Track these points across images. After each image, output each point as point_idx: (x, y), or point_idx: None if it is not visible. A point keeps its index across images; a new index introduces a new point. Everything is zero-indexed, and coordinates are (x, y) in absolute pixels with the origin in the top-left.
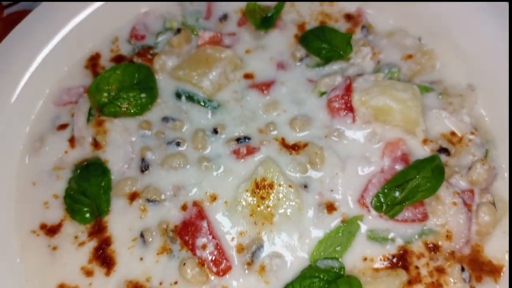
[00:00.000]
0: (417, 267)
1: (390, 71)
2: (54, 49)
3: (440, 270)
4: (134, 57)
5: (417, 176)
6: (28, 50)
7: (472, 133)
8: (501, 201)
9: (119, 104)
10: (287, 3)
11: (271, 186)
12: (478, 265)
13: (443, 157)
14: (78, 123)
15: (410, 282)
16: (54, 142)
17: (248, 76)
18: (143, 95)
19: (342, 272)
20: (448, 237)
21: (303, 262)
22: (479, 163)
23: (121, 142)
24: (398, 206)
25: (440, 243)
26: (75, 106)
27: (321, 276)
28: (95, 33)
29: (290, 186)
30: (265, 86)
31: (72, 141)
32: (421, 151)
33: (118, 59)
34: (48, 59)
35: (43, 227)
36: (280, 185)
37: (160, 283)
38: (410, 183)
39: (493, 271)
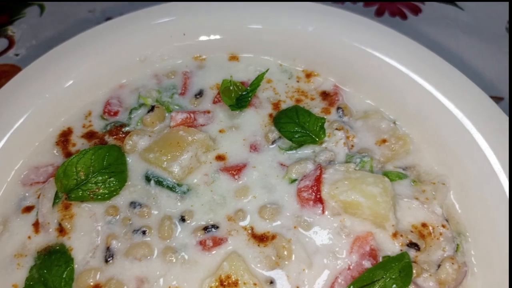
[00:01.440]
0: None
1: (362, 160)
2: (26, 121)
3: None
4: (106, 135)
5: (383, 277)
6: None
7: (443, 226)
8: None
9: (87, 189)
10: (264, 80)
11: (235, 284)
12: None
13: (412, 252)
14: (43, 209)
15: None
16: (18, 226)
17: (220, 157)
18: (112, 179)
19: None
20: None
21: None
22: (448, 262)
23: (87, 229)
24: None
25: None
26: (42, 188)
27: None
28: (69, 106)
29: (255, 284)
30: (236, 170)
31: (36, 225)
32: (391, 246)
33: (90, 135)
34: (19, 133)
35: None
36: (245, 283)
37: None
38: (377, 285)
39: None
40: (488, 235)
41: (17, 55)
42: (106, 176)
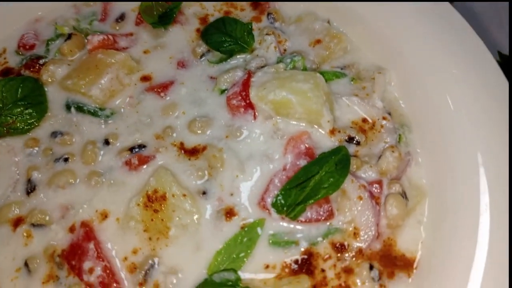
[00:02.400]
0: (323, 270)
1: (292, 60)
2: None
3: (348, 271)
4: (22, 69)
5: (319, 172)
6: None
7: (384, 119)
8: (415, 188)
9: (1, 123)
10: None
11: (163, 197)
12: (390, 261)
13: (352, 148)
14: None
15: (315, 287)
16: None
17: (145, 78)
18: (29, 110)
19: (238, 284)
20: (356, 234)
21: (201, 277)
22: (388, 151)
23: (6, 164)
24: (300, 206)
25: (347, 242)
26: None
27: None
28: None
29: (184, 195)
30: (162, 88)
31: None
32: (329, 143)
33: (5, 72)
34: None
35: None
36: (173, 196)
37: None
38: (313, 180)
39: (406, 265)
40: (432, 126)
41: None
42: (22, 108)
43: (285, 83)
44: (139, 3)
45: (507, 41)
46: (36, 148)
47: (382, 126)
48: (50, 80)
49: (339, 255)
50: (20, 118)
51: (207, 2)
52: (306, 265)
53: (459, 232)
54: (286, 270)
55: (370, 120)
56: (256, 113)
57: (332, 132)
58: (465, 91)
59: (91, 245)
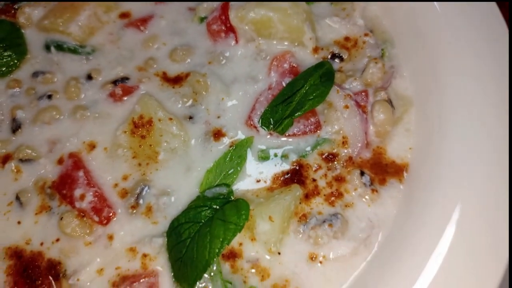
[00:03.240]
0: (314, 180)
1: None
2: None
3: (340, 179)
4: None
5: (304, 85)
6: None
7: (366, 35)
8: (401, 98)
9: None
10: None
11: (149, 123)
12: (381, 168)
13: (336, 64)
14: None
15: (307, 196)
16: None
17: (124, 15)
18: (8, 53)
19: (231, 197)
20: (345, 143)
21: (193, 195)
22: (371, 63)
23: None
24: (287, 120)
25: (336, 151)
26: None
27: (208, 205)
28: None
29: (170, 119)
30: (141, 22)
31: None
32: (312, 60)
33: None
34: None
35: None
36: (160, 120)
37: (41, 244)
38: (298, 94)
39: (397, 171)
40: (415, 40)
41: None
42: (1, 50)
43: (263, 2)
44: None
45: None
46: (19, 89)
47: (364, 43)
48: (27, 23)
49: (329, 164)
50: None
51: None
52: (297, 176)
53: (447, 137)
54: (277, 182)
55: (352, 38)
56: (238, 37)
57: (315, 50)
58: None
59: (81, 173)
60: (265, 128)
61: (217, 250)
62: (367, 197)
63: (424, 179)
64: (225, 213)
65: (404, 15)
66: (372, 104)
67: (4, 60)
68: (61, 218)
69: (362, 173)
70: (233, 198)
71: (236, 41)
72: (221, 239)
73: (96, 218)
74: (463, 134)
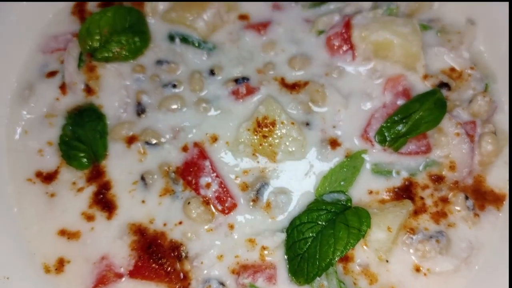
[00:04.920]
0: (422, 198)
1: (388, 7)
2: None
3: (444, 200)
4: (124, 1)
5: (419, 109)
6: None
7: (471, 68)
8: (501, 133)
9: (111, 48)
10: None
11: (273, 124)
12: (480, 195)
13: (443, 92)
14: (69, 69)
15: (416, 212)
16: (44, 89)
17: (243, 17)
18: (136, 38)
19: (349, 204)
20: (452, 167)
21: (309, 197)
22: (479, 96)
23: (115, 87)
24: (402, 139)
25: (444, 173)
26: (64, 53)
27: (328, 208)
28: None
29: (292, 123)
30: (261, 26)
31: (63, 88)
32: (422, 86)
33: (107, 3)
34: (31, 6)
35: (39, 174)
36: (282, 123)
37: (165, 224)
38: (413, 116)
39: (496, 200)
40: None
41: None
42: (130, 35)
43: (386, 25)
44: None
45: None
46: (143, 74)
47: (469, 75)
48: (152, 13)
49: (436, 185)
50: (128, 45)
51: None
52: (407, 192)
53: None
54: (389, 195)
55: (458, 69)
56: (355, 54)
57: (425, 77)
58: None
59: (207, 163)
60: (380, 143)
61: (340, 252)
62: (469, 220)
63: None
64: (347, 219)
65: (505, 51)
66: (481, 134)
67: (131, 45)
68: (188, 203)
69: (466, 197)
70: (351, 206)
71: (353, 58)
72: (345, 242)
73: (220, 207)
74: None
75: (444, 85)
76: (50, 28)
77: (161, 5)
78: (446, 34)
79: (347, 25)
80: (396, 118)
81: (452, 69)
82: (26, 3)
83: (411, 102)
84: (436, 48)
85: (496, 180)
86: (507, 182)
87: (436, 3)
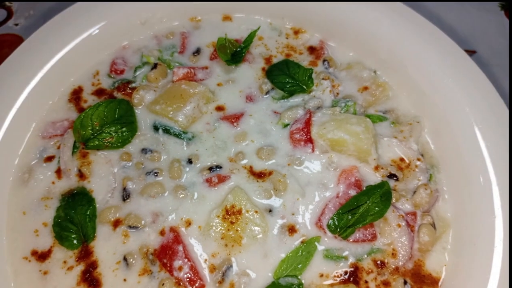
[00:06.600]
0: (366, 282)
1: (346, 104)
2: (38, 84)
3: (386, 284)
4: (115, 91)
5: (367, 202)
6: (14, 86)
7: (418, 160)
8: (442, 220)
9: (102, 138)
10: (256, 37)
11: (239, 212)
12: (419, 278)
13: (392, 183)
14: (64, 157)
15: None
16: (42, 173)
17: (219, 108)
18: (124, 129)
19: None
20: (394, 255)
21: (268, 280)
22: (422, 188)
23: (104, 173)
24: (351, 229)
25: (386, 260)
26: (61, 140)
27: None
28: (77, 67)
29: (256, 212)
30: (235, 118)
31: (58, 172)
32: (373, 177)
33: (100, 92)
34: (33, 94)
35: (34, 253)
36: (247, 211)
37: None
38: (361, 208)
39: (433, 282)
40: (457, 167)
41: (16, 24)
42: (119, 126)
43: (341, 124)
44: (212, 39)
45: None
46: (130, 162)
47: (416, 166)
48: (139, 103)
49: (379, 270)
50: (116, 135)
51: (271, 45)
52: (353, 276)
53: (477, 259)
54: (337, 279)
55: (407, 160)
56: (314, 147)
57: (376, 168)
58: (487, 137)
59: (180, 247)
60: (332, 232)
61: None
62: None
63: None
64: None
65: (449, 141)
66: (419, 225)
67: (120, 135)
68: (163, 284)
69: (405, 282)
70: None
71: (313, 150)
72: None
73: None
74: (489, 258)
75: (392, 176)
76: (49, 115)
77: (148, 96)
78: (399, 125)
79: (308, 123)
80: (346, 209)
81: (402, 159)
82: (28, 92)
83: (361, 194)
84: (388, 139)
85: (434, 265)
86: (444, 267)
87: (391, 94)
